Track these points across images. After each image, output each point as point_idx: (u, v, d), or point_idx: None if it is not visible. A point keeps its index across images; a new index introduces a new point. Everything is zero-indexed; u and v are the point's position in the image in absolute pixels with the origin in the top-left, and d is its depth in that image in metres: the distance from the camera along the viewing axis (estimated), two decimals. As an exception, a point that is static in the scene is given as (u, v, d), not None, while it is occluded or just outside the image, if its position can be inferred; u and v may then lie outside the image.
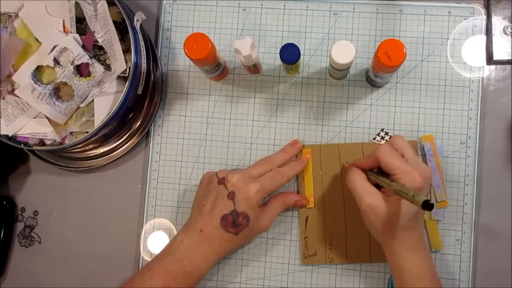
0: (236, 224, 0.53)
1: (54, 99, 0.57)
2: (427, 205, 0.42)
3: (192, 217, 0.56)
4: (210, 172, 0.58)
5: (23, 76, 0.56)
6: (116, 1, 0.56)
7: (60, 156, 0.64)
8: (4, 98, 0.58)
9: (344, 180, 0.59)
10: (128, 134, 0.62)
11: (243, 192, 0.53)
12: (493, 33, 0.60)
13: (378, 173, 0.52)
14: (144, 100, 0.62)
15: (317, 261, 0.60)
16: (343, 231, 0.59)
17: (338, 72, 0.57)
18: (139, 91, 0.58)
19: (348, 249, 0.59)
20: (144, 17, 0.57)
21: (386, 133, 0.59)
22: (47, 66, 0.57)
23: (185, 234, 0.54)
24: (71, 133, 0.59)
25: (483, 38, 0.60)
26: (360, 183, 0.51)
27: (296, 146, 0.60)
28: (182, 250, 0.53)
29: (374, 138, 0.60)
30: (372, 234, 0.53)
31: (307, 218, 0.60)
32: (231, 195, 0.53)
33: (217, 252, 0.54)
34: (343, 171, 0.59)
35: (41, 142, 0.59)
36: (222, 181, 0.55)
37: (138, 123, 0.62)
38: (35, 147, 0.58)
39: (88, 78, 0.57)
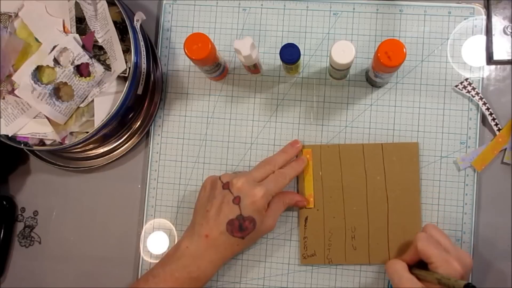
0: (242, 228, 0.53)
1: (54, 99, 0.57)
2: None
3: (196, 222, 0.55)
4: (213, 176, 0.57)
5: (23, 76, 0.56)
6: (116, 1, 0.56)
7: (60, 156, 0.64)
8: (4, 98, 0.58)
9: (346, 184, 0.59)
10: (128, 134, 0.62)
11: (249, 196, 0.53)
12: (493, 33, 0.60)
13: (419, 268, 0.52)
14: (144, 100, 0.62)
15: (316, 261, 0.60)
16: (342, 232, 0.59)
17: (338, 72, 0.57)
18: (139, 91, 0.58)
19: (347, 250, 0.59)
20: (144, 17, 0.57)
21: (470, 84, 0.57)
22: (47, 66, 0.57)
23: (190, 239, 0.54)
24: (71, 133, 0.59)
25: (483, 38, 0.60)
26: (401, 273, 0.51)
27: (296, 147, 0.60)
28: (188, 256, 0.53)
29: (456, 86, 0.58)
30: None
31: (306, 218, 0.60)
32: (237, 200, 0.53)
33: (223, 257, 0.54)
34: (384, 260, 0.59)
35: (41, 142, 0.59)
36: (226, 185, 0.54)
37: (138, 123, 0.62)
38: (35, 147, 0.58)
39: (88, 78, 0.57)
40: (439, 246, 0.51)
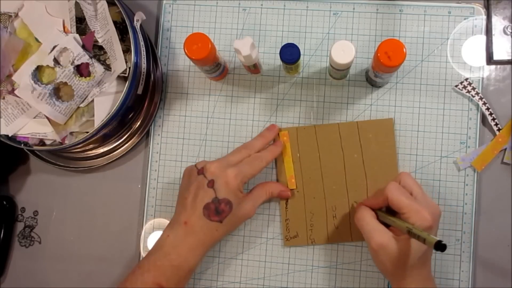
0: (218, 211, 0.53)
1: (54, 99, 0.57)
2: (440, 246, 0.41)
3: (176, 211, 0.56)
4: (190, 166, 0.58)
5: (23, 76, 0.56)
6: (116, 1, 0.56)
7: (60, 156, 0.64)
8: (4, 98, 0.58)
9: (324, 164, 0.60)
10: (128, 134, 0.62)
11: (222, 177, 0.53)
12: (493, 33, 0.60)
13: (387, 212, 0.52)
14: (144, 100, 0.62)
15: (299, 243, 0.60)
16: (323, 212, 0.59)
17: (338, 72, 0.57)
18: (139, 91, 0.58)
19: (329, 229, 0.59)
20: (144, 17, 0.57)
21: (469, 84, 0.57)
22: (47, 66, 0.57)
23: (171, 228, 0.55)
24: (71, 133, 0.59)
25: (483, 38, 0.60)
26: (369, 221, 0.51)
27: (273, 130, 0.60)
28: (168, 245, 0.53)
29: (456, 86, 0.59)
30: (381, 272, 0.53)
31: (287, 200, 0.60)
32: (211, 183, 0.53)
33: (203, 243, 0.54)
34: (352, 211, 0.59)
35: (41, 142, 0.59)
36: (201, 171, 0.55)
37: (138, 123, 0.62)
38: (35, 147, 0.58)
39: (88, 78, 0.57)
40: (409, 196, 0.50)
